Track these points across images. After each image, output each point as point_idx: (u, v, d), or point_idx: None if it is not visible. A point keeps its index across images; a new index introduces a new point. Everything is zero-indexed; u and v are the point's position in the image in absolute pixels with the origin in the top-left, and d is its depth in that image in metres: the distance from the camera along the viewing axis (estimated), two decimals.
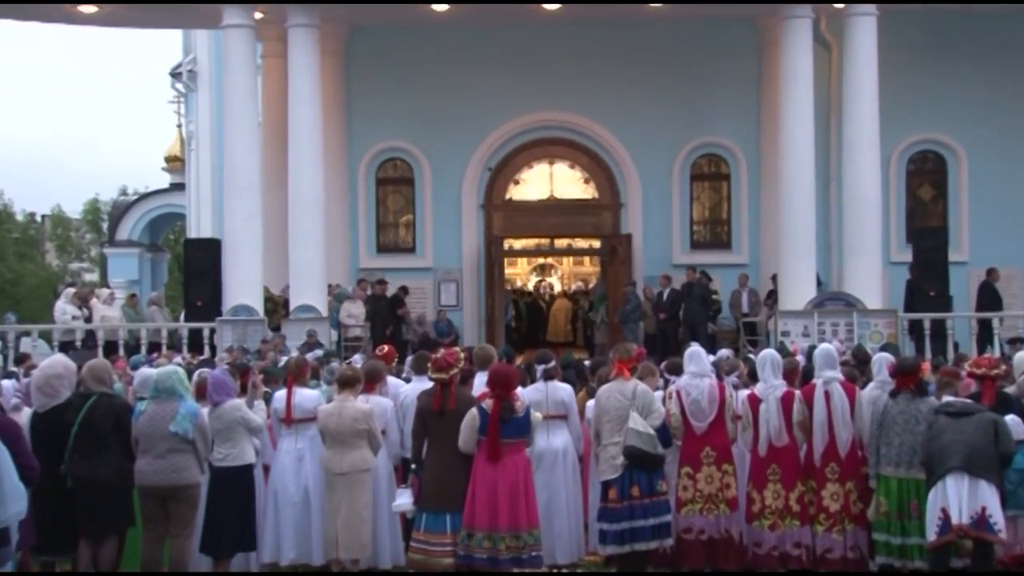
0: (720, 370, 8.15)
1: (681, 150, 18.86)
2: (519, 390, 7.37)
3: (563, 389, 7.57)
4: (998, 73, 17.83)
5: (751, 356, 9.98)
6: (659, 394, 7.45)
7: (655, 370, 7.65)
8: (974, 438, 6.33)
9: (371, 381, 7.49)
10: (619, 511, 6.62)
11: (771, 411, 7.04)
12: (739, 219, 19.01)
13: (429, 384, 7.04)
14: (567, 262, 29.38)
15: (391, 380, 8.23)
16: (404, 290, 17.47)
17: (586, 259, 27.96)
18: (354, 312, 15.85)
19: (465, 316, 18.87)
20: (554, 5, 15.73)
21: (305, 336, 14.02)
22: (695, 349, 7.41)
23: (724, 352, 10.20)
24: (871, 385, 7.35)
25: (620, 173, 19.05)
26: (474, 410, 6.44)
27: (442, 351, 6.83)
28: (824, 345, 7.70)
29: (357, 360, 9.88)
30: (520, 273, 29.40)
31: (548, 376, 7.57)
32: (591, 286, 24.11)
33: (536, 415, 6.74)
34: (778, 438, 7.02)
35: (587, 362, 9.54)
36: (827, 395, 7.03)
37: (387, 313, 16.51)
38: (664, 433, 6.78)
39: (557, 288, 29.08)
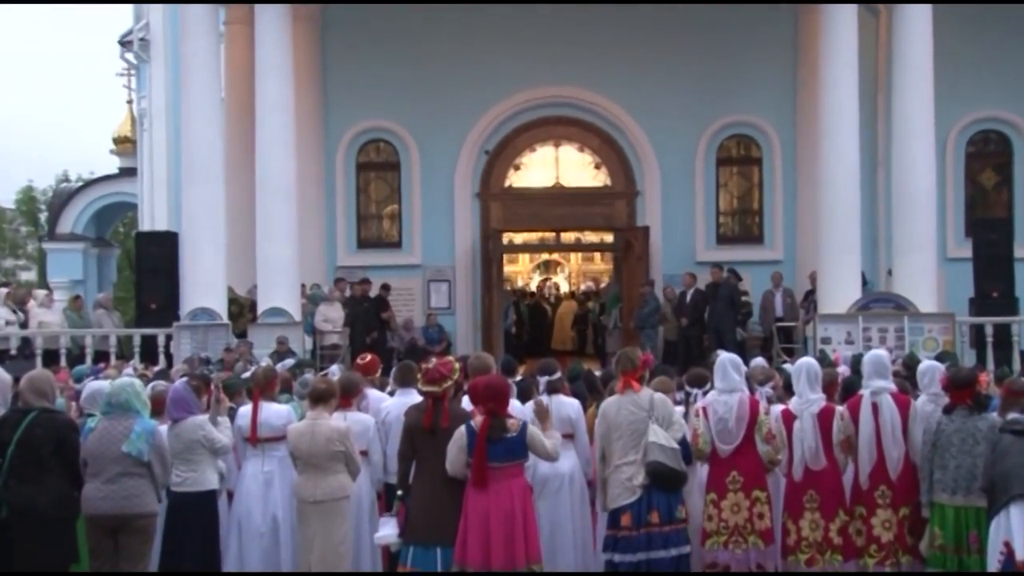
0: (752, 381, 8.12)
1: (706, 130, 18.89)
2: (517, 406, 7.37)
3: (570, 404, 7.57)
4: None
5: (786, 366, 9.97)
6: (679, 409, 7.44)
7: (672, 384, 7.63)
8: None
9: (347, 395, 7.50)
10: (635, 540, 6.58)
11: (806, 429, 7.02)
12: (772, 209, 19.02)
13: (415, 398, 7.04)
14: (575, 259, 29.41)
15: (372, 394, 8.24)
16: (386, 288, 17.50)
17: (597, 255, 28.01)
18: (331, 316, 15.87)
19: (458, 321, 18.91)
20: None
21: (275, 343, 14.02)
22: (726, 358, 7.35)
23: (758, 360, 10.19)
24: (923, 398, 7.34)
25: (636, 157, 19.07)
26: (462, 428, 6.40)
27: (435, 360, 6.82)
28: (875, 351, 7.65)
29: (335, 371, 9.87)
30: (521, 271, 29.44)
31: (553, 389, 7.56)
32: (602, 286, 24.15)
33: (555, 436, 6.71)
34: (815, 460, 7.00)
35: (598, 373, 9.53)
36: (875, 408, 7.02)
37: (369, 317, 16.56)
38: (686, 448, 6.78)
39: (564, 288, 29.11)
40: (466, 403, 6.93)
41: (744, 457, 7.03)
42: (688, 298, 16.76)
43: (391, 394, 8.42)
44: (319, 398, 7.07)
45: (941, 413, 6.96)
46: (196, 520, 6.99)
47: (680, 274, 17.45)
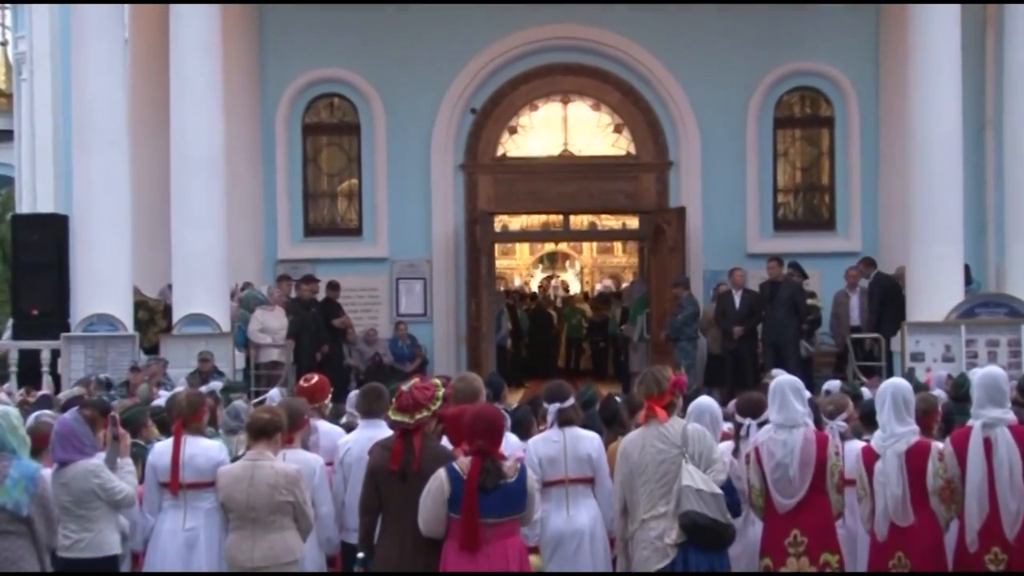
0: (820, 411, 8.13)
1: (760, 83, 18.92)
2: (514, 441, 7.36)
3: (588, 440, 7.56)
4: None
5: (865, 391, 9.98)
6: (728, 445, 7.44)
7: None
8: None
9: (288, 428, 7.47)
10: None
11: (890, 472, 6.97)
12: (847, 185, 19.06)
13: (384, 432, 7.01)
14: (589, 250, 29.48)
15: (323, 427, 8.24)
16: (334, 288, 17.50)
17: (618, 245, 28.06)
18: (270, 324, 15.87)
19: (436, 331, 18.92)
20: None
21: (196, 361, 14.05)
22: (784, 382, 7.34)
23: (832, 383, 10.21)
24: None
25: (668, 118, 19.09)
26: (442, 474, 6.31)
27: (415, 381, 6.77)
28: (989, 369, 7.57)
29: (274, 396, 9.88)
30: (519, 266, 29.49)
31: (566, 420, 7.56)
32: (625, 286, 24.17)
33: (532, 482, 6.64)
34: (901, 514, 6.97)
35: (619, 398, 9.54)
36: (988, 444, 7.01)
37: (319, 325, 16.55)
38: (732, 493, 6.76)
39: (574, 289, 29.16)
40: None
41: (809, 511, 6.99)
42: (737, 302, 16.73)
43: (347, 428, 8.41)
44: (261, 432, 7.06)
45: None
46: None
47: (726, 271, 17.44)
